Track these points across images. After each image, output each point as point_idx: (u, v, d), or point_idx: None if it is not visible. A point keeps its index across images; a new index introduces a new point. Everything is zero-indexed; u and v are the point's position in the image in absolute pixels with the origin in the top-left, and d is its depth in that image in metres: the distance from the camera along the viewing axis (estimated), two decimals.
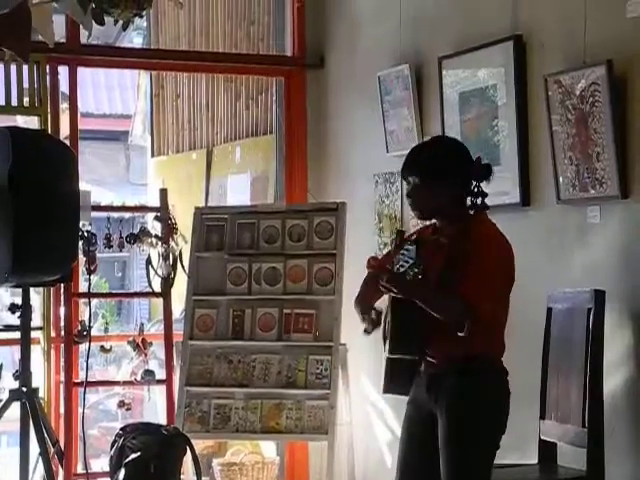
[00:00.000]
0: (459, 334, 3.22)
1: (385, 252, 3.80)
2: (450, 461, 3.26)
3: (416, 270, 3.30)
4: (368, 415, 5.39)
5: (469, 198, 3.39)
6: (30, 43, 3.57)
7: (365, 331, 3.50)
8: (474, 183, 3.37)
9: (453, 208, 3.38)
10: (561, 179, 4.03)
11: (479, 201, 3.37)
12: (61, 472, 4.95)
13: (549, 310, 3.95)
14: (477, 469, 3.28)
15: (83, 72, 5.98)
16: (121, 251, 5.60)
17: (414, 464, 3.42)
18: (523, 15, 4.33)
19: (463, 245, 3.29)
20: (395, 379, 3.47)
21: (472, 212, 3.39)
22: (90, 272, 5.17)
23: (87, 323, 5.18)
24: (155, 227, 5.41)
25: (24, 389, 4.44)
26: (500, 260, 3.30)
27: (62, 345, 5.28)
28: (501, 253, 3.32)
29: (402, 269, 3.34)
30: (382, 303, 3.48)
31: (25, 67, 5.22)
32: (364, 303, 3.52)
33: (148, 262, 5.39)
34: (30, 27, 3.49)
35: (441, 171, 3.36)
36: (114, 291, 9.37)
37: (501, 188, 4.35)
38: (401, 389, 3.51)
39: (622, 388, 3.76)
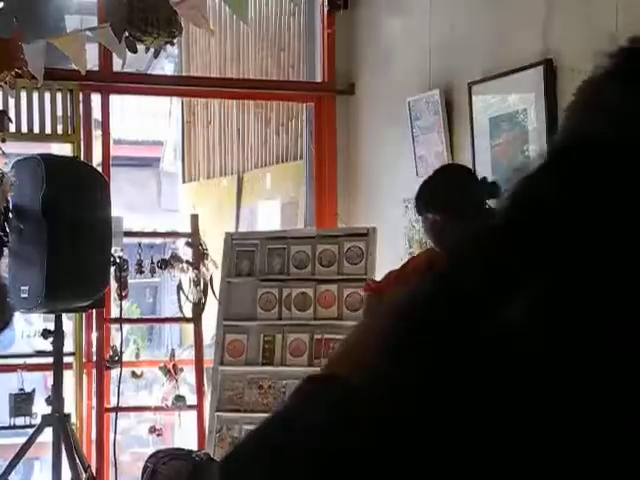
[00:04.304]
0: None
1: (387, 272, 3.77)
2: None
3: None
4: None
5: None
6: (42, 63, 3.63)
7: None
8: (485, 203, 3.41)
9: None
10: None
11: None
12: None
13: None
14: None
15: (115, 99, 6.03)
16: (152, 276, 5.62)
17: None
18: (553, 39, 4.32)
19: None
20: None
21: None
22: (122, 298, 5.19)
23: (119, 348, 5.20)
24: (186, 253, 5.44)
25: (56, 414, 4.46)
26: None
27: (94, 370, 5.30)
28: None
29: None
30: None
31: (59, 95, 5.28)
32: None
33: (179, 287, 5.42)
34: (21, 48, 3.56)
35: (462, 208, 3.38)
36: (145, 316, 9.38)
37: None
38: None
39: None
